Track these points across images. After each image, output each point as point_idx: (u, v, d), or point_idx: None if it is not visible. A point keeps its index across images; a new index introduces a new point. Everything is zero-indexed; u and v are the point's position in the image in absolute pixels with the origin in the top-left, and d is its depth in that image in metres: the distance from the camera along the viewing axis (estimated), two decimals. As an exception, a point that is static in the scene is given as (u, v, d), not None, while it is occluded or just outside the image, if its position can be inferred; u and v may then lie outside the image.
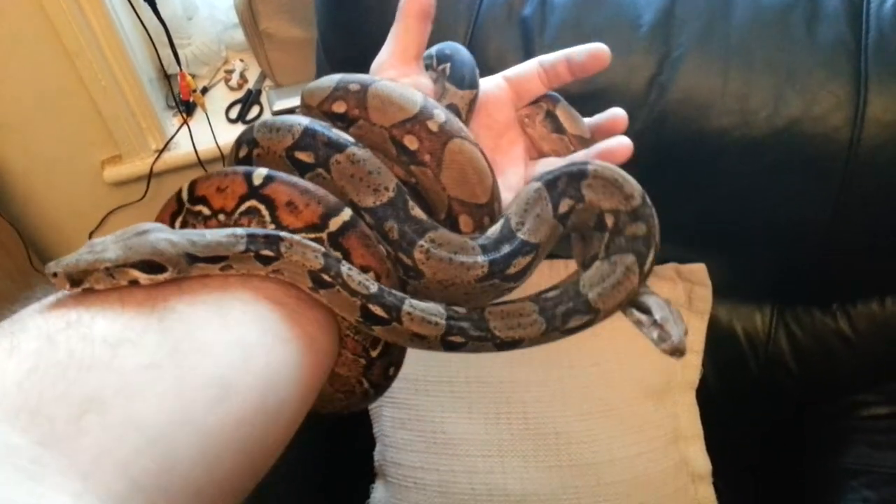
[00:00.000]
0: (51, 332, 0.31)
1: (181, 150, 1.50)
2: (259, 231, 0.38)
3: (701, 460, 0.99)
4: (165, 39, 1.39)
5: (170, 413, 0.31)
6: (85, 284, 0.34)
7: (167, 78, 1.52)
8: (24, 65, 1.32)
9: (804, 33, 0.86)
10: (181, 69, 1.45)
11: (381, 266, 0.42)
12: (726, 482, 1.01)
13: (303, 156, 0.44)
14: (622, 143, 0.49)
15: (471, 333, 0.42)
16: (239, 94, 1.59)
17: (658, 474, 0.95)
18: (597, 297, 0.44)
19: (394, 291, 0.41)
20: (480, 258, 0.43)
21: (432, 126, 0.45)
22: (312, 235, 0.41)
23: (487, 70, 0.96)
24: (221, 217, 0.42)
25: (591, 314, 0.44)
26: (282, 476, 0.99)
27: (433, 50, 0.55)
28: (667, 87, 0.88)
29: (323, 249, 0.39)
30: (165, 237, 0.36)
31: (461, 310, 0.43)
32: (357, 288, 0.40)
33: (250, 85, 1.61)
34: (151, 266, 0.35)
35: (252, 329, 0.36)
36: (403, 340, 0.42)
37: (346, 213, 0.41)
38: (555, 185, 0.47)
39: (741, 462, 1.05)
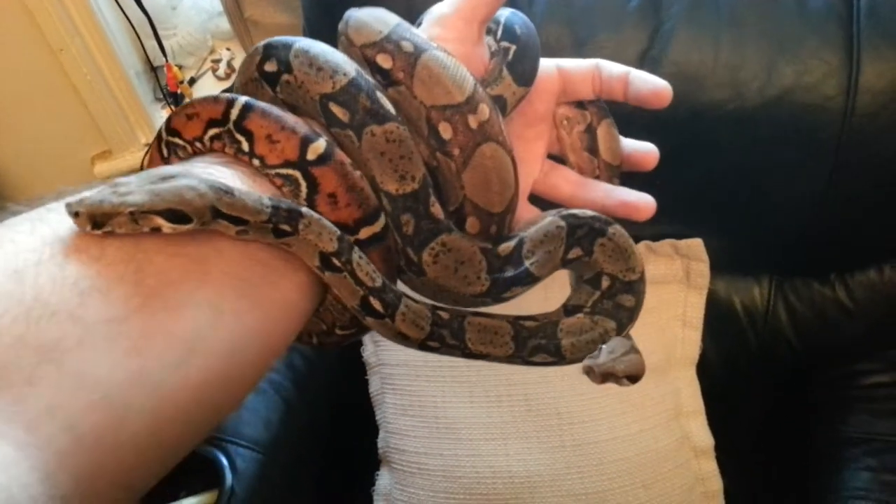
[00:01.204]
0: (20, 266, 0.29)
1: (171, 142, 1.49)
2: (283, 203, 0.37)
3: (703, 435, 0.99)
4: (150, 31, 1.37)
5: (127, 371, 0.30)
6: (107, 227, 0.31)
7: (153, 70, 1.51)
8: (8, 63, 1.30)
9: (795, 1, 0.85)
10: (167, 61, 1.44)
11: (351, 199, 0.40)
12: (729, 456, 1.01)
13: (337, 110, 0.40)
14: (647, 204, 0.48)
15: (448, 341, 0.43)
16: (227, 84, 1.58)
17: (660, 450, 0.96)
18: (569, 345, 0.45)
19: (394, 288, 0.41)
20: (483, 276, 0.43)
21: (472, 122, 0.42)
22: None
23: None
24: (199, 146, 0.40)
25: (557, 358, 0.45)
26: (286, 465, 1.00)
27: (502, 16, 0.49)
28: (659, 62, 0.87)
29: (339, 232, 0.38)
30: (194, 185, 0.34)
31: (445, 314, 0.43)
32: (364, 278, 0.39)
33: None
34: (177, 215, 0.33)
35: (229, 291, 0.35)
36: (386, 334, 0.42)
37: (322, 144, 0.39)
38: (575, 231, 0.46)
39: (743, 435, 1.06)
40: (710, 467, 0.99)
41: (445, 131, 0.42)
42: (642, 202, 0.48)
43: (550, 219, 0.46)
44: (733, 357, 1.04)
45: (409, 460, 0.99)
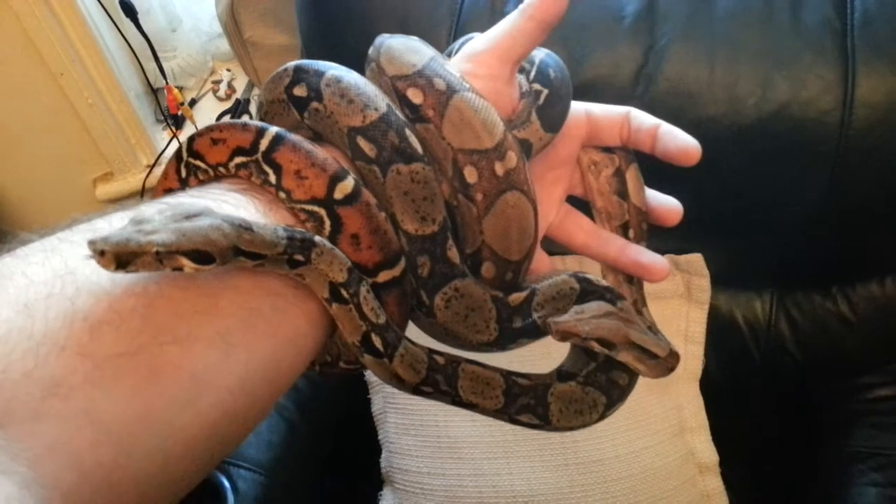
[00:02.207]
0: (30, 299, 0.29)
1: (172, 163, 1.49)
2: (297, 234, 0.36)
3: (707, 451, 0.99)
4: (150, 54, 1.38)
5: (135, 409, 0.29)
6: (131, 267, 0.30)
7: (154, 92, 1.51)
8: (9, 87, 1.31)
9: (789, 17, 0.85)
10: (167, 82, 1.45)
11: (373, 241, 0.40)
12: (734, 471, 1.00)
13: (365, 145, 0.39)
14: (661, 268, 0.48)
15: (441, 387, 0.42)
16: (227, 105, 1.58)
17: (665, 467, 0.95)
18: (557, 412, 0.44)
19: (396, 328, 0.40)
20: (493, 325, 0.43)
21: (499, 169, 0.42)
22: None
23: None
24: (221, 171, 0.39)
25: (543, 422, 0.44)
26: (289, 487, 0.99)
27: (537, 57, 0.48)
28: (654, 79, 0.87)
29: (349, 263, 0.38)
30: (217, 225, 0.33)
31: (440, 359, 0.42)
32: (368, 313, 0.38)
33: (238, 94, 1.60)
34: (202, 256, 0.32)
35: (239, 323, 0.34)
36: (381, 375, 0.41)
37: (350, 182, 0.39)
38: (586, 296, 0.45)
39: (748, 451, 1.05)
40: (716, 484, 0.99)
41: (471, 175, 0.41)
42: (656, 265, 0.48)
43: (565, 278, 0.45)
44: (736, 372, 1.03)
45: (411, 480, 0.99)
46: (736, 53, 0.85)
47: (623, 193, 0.50)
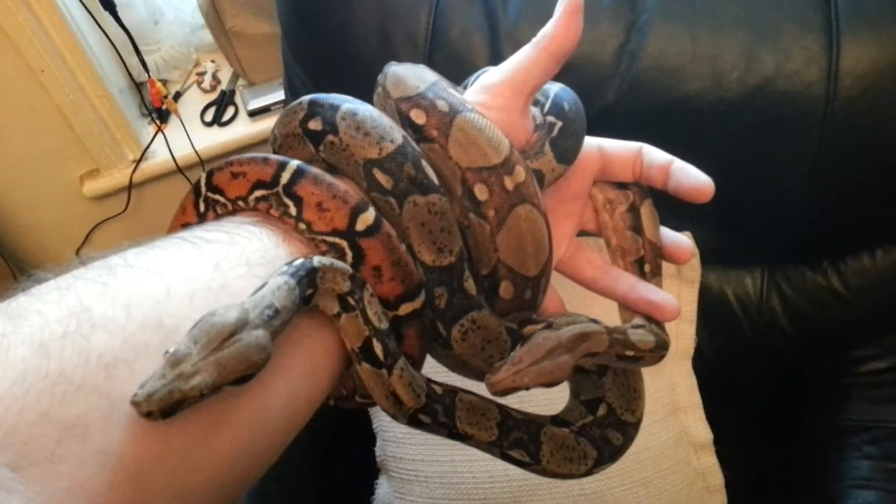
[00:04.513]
0: (45, 339, 0.29)
1: (159, 158, 1.48)
2: (301, 269, 0.35)
3: (701, 429, 0.98)
4: (132, 48, 1.37)
5: (152, 447, 0.29)
6: (178, 413, 0.30)
7: (137, 86, 1.50)
8: (-10, 86, 1.30)
9: (772, -12, 0.84)
10: (150, 76, 1.43)
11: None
12: (729, 448, 1.00)
13: (381, 177, 0.39)
14: (671, 306, 0.47)
15: (439, 419, 0.41)
16: (213, 96, 1.57)
17: (658, 447, 0.95)
18: (548, 453, 0.44)
19: (395, 345, 0.40)
20: (509, 355, 0.42)
21: (509, 183, 0.41)
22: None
23: (453, 54, 0.94)
24: (241, 205, 0.39)
25: (534, 461, 0.44)
26: (284, 478, 0.99)
27: (552, 90, 0.48)
28: (636, 55, 0.86)
29: (350, 270, 0.37)
30: (255, 342, 0.32)
31: (438, 388, 0.42)
32: (371, 317, 0.38)
33: (223, 86, 1.59)
34: (245, 378, 0.32)
35: None
36: (378, 393, 0.40)
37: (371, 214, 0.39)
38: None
39: (743, 427, 1.05)
40: (710, 461, 0.98)
41: (482, 193, 0.41)
42: (667, 303, 0.47)
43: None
44: (729, 349, 1.03)
45: (406, 468, 0.99)
46: (718, 27, 0.84)
47: (638, 229, 0.50)
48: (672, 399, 0.97)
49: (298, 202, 0.38)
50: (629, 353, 0.45)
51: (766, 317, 1.00)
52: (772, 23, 0.82)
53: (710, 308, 1.00)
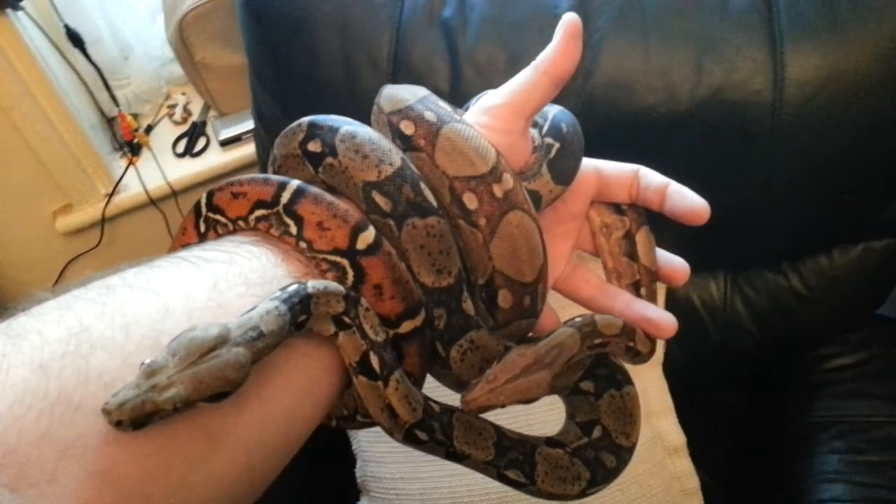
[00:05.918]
0: (45, 359, 0.29)
1: (131, 191, 1.49)
2: (295, 296, 0.35)
3: (674, 433, 1.00)
4: (102, 83, 1.38)
5: (151, 467, 0.29)
6: (148, 426, 0.29)
7: (109, 121, 1.51)
8: (-41, 125, 1.30)
9: (717, 1, 0.87)
10: (120, 110, 1.45)
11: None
12: (702, 451, 1.02)
13: (380, 199, 0.40)
14: (668, 324, 0.48)
15: (437, 436, 0.42)
16: (185, 128, 1.58)
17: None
18: (543, 473, 0.45)
19: (392, 357, 0.40)
20: (485, 373, 0.43)
21: (497, 191, 0.42)
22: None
23: (415, 76, 0.97)
24: (241, 224, 0.40)
25: (529, 482, 0.44)
26: (264, 502, 0.99)
27: (550, 112, 0.49)
28: (591, 72, 0.89)
29: (343, 290, 0.37)
30: (234, 360, 0.31)
31: (435, 406, 0.42)
32: (368, 331, 0.38)
33: (195, 117, 1.60)
34: (219, 396, 0.31)
35: (253, 376, 0.33)
36: (374, 407, 0.40)
37: (371, 233, 0.39)
38: (598, 368, 0.46)
39: (715, 430, 1.07)
40: (685, 465, 1.00)
41: (471, 202, 0.42)
42: (664, 320, 0.48)
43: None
44: (698, 353, 1.05)
45: (386, 487, 0.99)
46: (668, 42, 0.87)
47: (633, 255, 0.50)
48: (644, 404, 0.98)
49: (299, 221, 0.38)
50: (597, 340, 0.45)
51: (731, 320, 1.02)
52: (719, 35, 0.86)
53: (678, 314, 0.99)
